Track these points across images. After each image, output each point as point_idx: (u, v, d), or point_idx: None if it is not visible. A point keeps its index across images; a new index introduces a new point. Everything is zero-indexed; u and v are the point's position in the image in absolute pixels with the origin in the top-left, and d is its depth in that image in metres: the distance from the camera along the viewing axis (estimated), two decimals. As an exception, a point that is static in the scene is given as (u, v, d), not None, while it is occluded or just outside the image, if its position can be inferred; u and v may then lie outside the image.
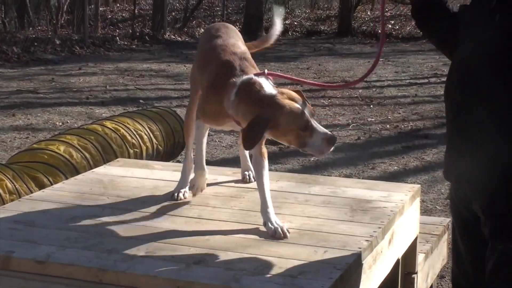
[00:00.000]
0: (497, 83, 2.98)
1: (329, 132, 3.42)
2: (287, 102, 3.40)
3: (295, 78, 4.27)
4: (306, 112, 3.41)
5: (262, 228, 3.67)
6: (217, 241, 3.53)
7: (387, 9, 26.77)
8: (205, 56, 3.93)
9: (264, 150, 3.69)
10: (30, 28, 20.54)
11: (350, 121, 10.68)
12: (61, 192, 4.29)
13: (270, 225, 3.56)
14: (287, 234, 3.52)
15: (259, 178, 3.70)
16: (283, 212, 3.93)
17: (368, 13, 27.25)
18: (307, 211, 3.96)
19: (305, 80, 4.23)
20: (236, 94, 3.52)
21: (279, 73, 3.95)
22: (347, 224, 3.77)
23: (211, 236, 3.60)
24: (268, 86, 3.48)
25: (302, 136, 3.38)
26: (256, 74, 3.56)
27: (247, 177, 4.44)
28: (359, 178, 7.31)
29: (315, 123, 3.40)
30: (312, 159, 8.31)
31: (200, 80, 3.93)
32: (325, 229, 3.71)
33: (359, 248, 3.43)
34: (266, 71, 3.59)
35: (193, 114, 4.10)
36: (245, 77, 3.55)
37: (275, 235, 3.51)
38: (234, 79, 3.57)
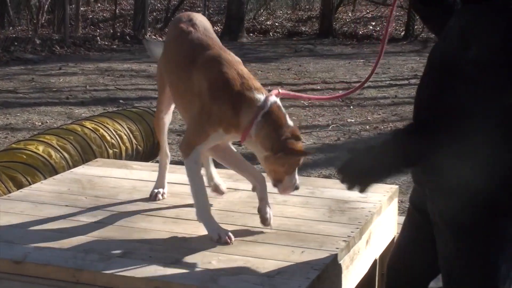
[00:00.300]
0: None
1: (297, 181, 3.63)
2: (296, 148, 3.46)
3: (304, 95, 4.24)
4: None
5: (240, 229, 3.68)
6: (194, 241, 3.53)
7: (368, 10, 26.88)
8: (191, 55, 3.73)
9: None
10: (10, 28, 20.45)
11: (330, 122, 10.70)
12: (39, 192, 4.28)
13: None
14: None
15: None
16: (261, 212, 3.94)
17: (350, 14, 27.31)
18: (285, 212, 3.97)
19: (313, 97, 4.38)
20: (264, 116, 3.45)
21: (289, 92, 3.95)
22: (325, 225, 3.79)
23: (188, 236, 3.60)
24: (287, 117, 3.51)
25: (284, 171, 3.53)
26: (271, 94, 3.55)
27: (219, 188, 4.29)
28: (338, 179, 7.32)
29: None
30: (292, 159, 8.28)
31: (184, 86, 3.72)
32: (303, 229, 3.72)
33: (337, 248, 3.44)
34: (279, 90, 3.60)
35: (162, 113, 4.11)
36: (271, 99, 3.49)
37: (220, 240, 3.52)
38: (255, 95, 3.49)
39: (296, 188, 3.62)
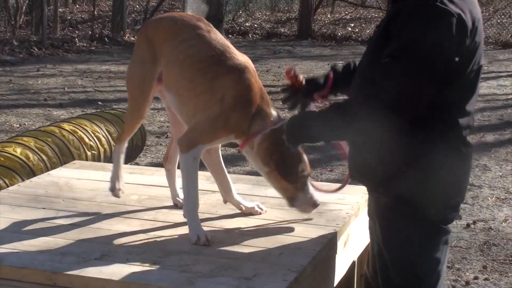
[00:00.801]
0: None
1: (316, 200, 3.68)
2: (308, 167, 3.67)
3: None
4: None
5: (218, 230, 3.68)
6: (172, 243, 3.53)
7: (347, 12, 26.94)
8: (216, 58, 3.70)
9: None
10: (-12, 29, 20.36)
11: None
12: (16, 195, 4.26)
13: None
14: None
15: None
16: (239, 215, 3.94)
17: (328, 16, 27.34)
18: (263, 213, 3.97)
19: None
20: (272, 131, 3.59)
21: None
22: (302, 227, 3.80)
23: (166, 238, 3.60)
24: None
25: (296, 187, 3.62)
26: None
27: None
28: (317, 180, 7.34)
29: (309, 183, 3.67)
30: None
31: (203, 87, 3.68)
32: (280, 231, 3.73)
33: (314, 250, 3.45)
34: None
35: (143, 119, 4.09)
36: (281, 122, 3.62)
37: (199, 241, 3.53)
38: (271, 111, 3.66)
39: (315, 205, 3.67)
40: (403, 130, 3.05)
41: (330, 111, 3.19)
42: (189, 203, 3.62)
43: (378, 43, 3.12)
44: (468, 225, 6.35)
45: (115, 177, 4.07)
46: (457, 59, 2.96)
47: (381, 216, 3.30)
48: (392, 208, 3.21)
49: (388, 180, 3.17)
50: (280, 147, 3.53)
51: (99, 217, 3.90)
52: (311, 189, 3.66)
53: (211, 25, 3.88)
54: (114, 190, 4.05)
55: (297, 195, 3.61)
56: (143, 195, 4.29)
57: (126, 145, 4.14)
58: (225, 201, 3.98)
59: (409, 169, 3.11)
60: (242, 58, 3.73)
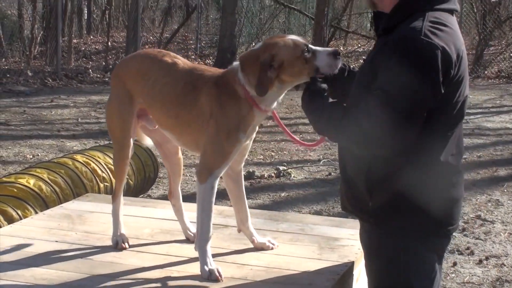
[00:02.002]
0: None
1: (330, 48, 3.52)
2: (278, 39, 3.53)
3: (289, 134, 4.01)
4: (300, 39, 3.53)
5: (230, 266, 3.68)
6: (184, 278, 3.54)
7: (359, 44, 27.02)
8: (190, 83, 3.76)
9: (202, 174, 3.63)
10: (3, 59, 20.47)
11: (321, 156, 10.70)
12: (29, 227, 4.28)
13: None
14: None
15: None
16: (251, 249, 3.94)
17: (342, 48, 27.43)
18: (275, 248, 3.97)
19: (297, 140, 4.16)
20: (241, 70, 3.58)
21: (280, 122, 3.88)
22: (314, 262, 3.80)
23: (178, 273, 3.60)
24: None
25: (309, 60, 3.44)
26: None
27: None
28: (329, 214, 7.34)
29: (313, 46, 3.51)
30: (283, 194, 8.32)
31: (189, 115, 3.72)
32: (292, 266, 3.73)
33: (327, 286, 3.45)
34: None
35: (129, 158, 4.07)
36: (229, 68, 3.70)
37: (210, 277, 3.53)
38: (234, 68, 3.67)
39: (336, 52, 3.47)
40: (388, 160, 3.11)
41: (332, 112, 3.19)
42: (201, 238, 3.61)
43: (366, 75, 3.15)
44: (480, 261, 6.32)
45: (116, 233, 4.06)
46: (442, 91, 3.01)
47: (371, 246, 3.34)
48: (384, 237, 3.24)
49: (378, 210, 3.20)
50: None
51: (111, 250, 3.91)
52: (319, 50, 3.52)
53: (176, 56, 3.94)
54: (117, 245, 4.01)
55: (313, 66, 3.45)
56: (155, 228, 4.30)
57: (122, 201, 4.15)
58: (239, 230, 3.98)
59: (399, 197, 3.14)
60: (209, 71, 3.80)
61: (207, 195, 3.60)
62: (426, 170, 3.14)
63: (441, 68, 2.96)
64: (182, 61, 3.89)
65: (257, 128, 3.72)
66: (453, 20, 3.15)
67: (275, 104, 3.62)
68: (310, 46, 3.48)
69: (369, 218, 3.24)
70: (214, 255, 3.69)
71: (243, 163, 3.94)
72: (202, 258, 3.58)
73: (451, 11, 3.17)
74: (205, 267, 3.54)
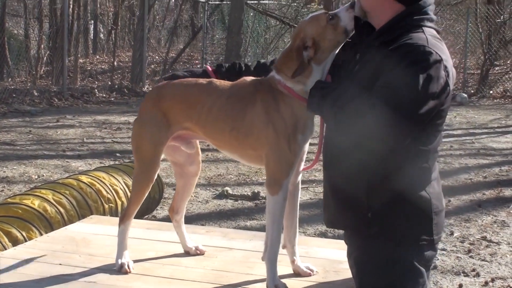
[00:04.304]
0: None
1: (346, 5, 3.58)
2: (299, 24, 3.65)
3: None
4: (317, 12, 3.62)
5: (234, 289, 3.68)
6: (188, 302, 3.53)
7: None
8: (239, 98, 3.77)
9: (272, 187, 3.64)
10: (9, 79, 20.54)
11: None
12: (33, 250, 4.28)
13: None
14: None
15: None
16: (255, 272, 3.93)
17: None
18: (280, 272, 3.95)
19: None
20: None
21: None
22: (319, 286, 3.78)
23: (182, 297, 3.60)
24: None
25: (335, 25, 3.51)
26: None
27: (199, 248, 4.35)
28: (334, 235, 7.31)
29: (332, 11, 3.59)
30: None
31: (245, 130, 3.72)
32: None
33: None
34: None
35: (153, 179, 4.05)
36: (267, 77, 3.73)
37: None
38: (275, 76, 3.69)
39: (351, 4, 3.53)
40: (387, 166, 3.27)
41: (329, 104, 3.31)
42: (271, 250, 3.63)
43: (367, 79, 3.26)
44: (486, 283, 6.29)
45: (121, 256, 4.04)
46: (444, 101, 3.20)
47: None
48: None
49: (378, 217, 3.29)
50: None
51: (115, 273, 3.90)
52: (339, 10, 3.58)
53: (208, 79, 3.95)
54: (121, 269, 3.99)
55: (340, 27, 3.52)
56: (160, 251, 4.30)
57: (131, 224, 4.13)
58: (283, 247, 3.95)
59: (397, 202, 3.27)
60: (244, 80, 3.83)
61: (278, 207, 3.62)
62: (423, 175, 3.31)
63: (443, 78, 3.13)
64: (216, 80, 3.91)
65: (313, 129, 3.71)
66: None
67: None
68: (330, 12, 3.56)
69: (368, 228, 3.30)
70: (218, 279, 3.68)
71: (301, 175, 3.93)
72: (270, 271, 3.61)
73: (437, 31, 3.34)
74: (272, 282, 3.59)
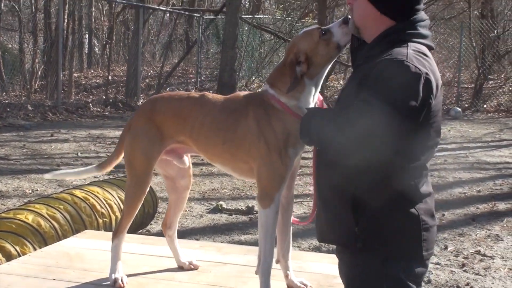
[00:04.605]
0: None
1: (339, 20, 3.61)
2: (293, 39, 3.69)
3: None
4: (310, 27, 3.66)
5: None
6: (182, 317, 3.52)
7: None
8: (231, 112, 3.79)
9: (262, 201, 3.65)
10: (4, 93, 20.53)
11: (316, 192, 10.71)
12: (27, 265, 4.27)
13: None
14: None
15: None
16: (250, 287, 3.94)
17: (341, 82, 27.52)
18: (273, 286, 3.95)
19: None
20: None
21: None
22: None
23: (176, 312, 3.59)
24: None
25: (328, 40, 3.54)
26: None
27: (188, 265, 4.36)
28: (328, 249, 7.31)
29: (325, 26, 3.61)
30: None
31: (236, 143, 3.75)
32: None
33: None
34: None
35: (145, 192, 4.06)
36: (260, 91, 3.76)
37: None
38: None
39: (344, 20, 3.55)
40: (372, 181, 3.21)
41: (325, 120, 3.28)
42: (264, 263, 3.64)
43: (351, 96, 3.24)
44: (480, 297, 6.30)
45: (114, 271, 4.04)
46: (419, 117, 3.13)
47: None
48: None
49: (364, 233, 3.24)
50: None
51: (109, 288, 3.90)
52: (332, 26, 3.60)
53: (201, 92, 4.00)
54: (115, 284, 3.99)
55: (333, 43, 3.55)
56: (154, 266, 4.30)
57: (124, 238, 4.13)
58: (277, 261, 3.97)
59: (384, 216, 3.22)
60: (237, 94, 3.88)
61: (270, 220, 3.62)
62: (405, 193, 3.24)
63: (421, 93, 3.06)
64: (210, 95, 3.94)
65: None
66: (431, 55, 3.28)
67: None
68: (323, 27, 3.58)
69: (355, 243, 3.26)
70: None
71: (293, 189, 3.95)
72: (264, 284, 3.63)
73: (429, 47, 3.31)
74: None
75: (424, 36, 3.30)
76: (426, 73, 3.09)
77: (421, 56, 3.16)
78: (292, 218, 3.96)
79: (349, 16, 3.49)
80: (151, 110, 4.01)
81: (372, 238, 3.23)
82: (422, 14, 3.33)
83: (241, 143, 3.68)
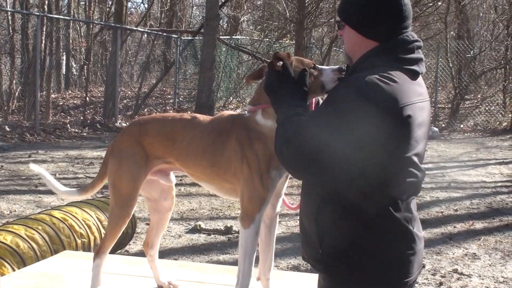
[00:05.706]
0: None
1: (335, 66, 3.60)
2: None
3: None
4: (306, 60, 3.60)
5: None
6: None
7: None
8: (215, 133, 3.82)
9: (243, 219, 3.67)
10: (-19, 115, 20.47)
11: (298, 211, 10.73)
12: (6, 286, 4.27)
13: None
14: None
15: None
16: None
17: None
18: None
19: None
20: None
21: None
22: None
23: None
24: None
25: (316, 76, 3.50)
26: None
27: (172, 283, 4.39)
28: (307, 269, 7.34)
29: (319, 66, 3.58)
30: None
31: (224, 166, 3.77)
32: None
33: None
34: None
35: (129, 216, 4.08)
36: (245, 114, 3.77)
37: None
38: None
39: (340, 69, 3.52)
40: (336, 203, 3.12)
41: (290, 121, 3.15)
42: (243, 283, 3.65)
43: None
44: (458, 315, 6.34)
45: None
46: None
47: None
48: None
49: (327, 257, 3.16)
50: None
51: (89, 309, 3.90)
52: (325, 67, 3.59)
53: (191, 114, 4.03)
54: None
55: (318, 80, 3.51)
56: (133, 286, 4.30)
57: (106, 258, 4.14)
58: (257, 279, 4.00)
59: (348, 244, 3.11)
60: (222, 115, 3.90)
61: (250, 240, 3.64)
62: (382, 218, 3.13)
63: (365, 123, 2.93)
64: (200, 116, 3.97)
65: None
66: (404, 76, 3.12)
67: None
68: (316, 65, 3.58)
69: (319, 265, 3.20)
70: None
71: (279, 208, 3.97)
72: None
73: (413, 72, 3.18)
74: None
75: (403, 60, 3.19)
76: (383, 101, 2.95)
77: (384, 80, 3.00)
78: (283, 200, 3.96)
79: (344, 67, 3.50)
80: (138, 132, 4.01)
81: (341, 262, 3.13)
82: (408, 34, 3.26)
83: (228, 166, 3.71)
